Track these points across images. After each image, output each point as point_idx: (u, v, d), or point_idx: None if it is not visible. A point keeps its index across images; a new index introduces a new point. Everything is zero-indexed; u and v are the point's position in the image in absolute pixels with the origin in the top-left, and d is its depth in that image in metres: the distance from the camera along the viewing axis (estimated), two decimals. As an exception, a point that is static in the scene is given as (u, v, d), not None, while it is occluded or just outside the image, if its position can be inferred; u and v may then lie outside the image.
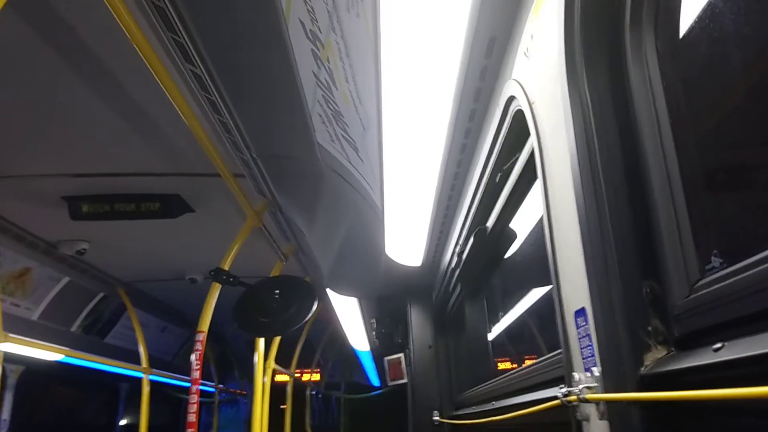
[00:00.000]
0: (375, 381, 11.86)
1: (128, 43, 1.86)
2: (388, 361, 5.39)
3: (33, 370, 5.68)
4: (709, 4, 1.01)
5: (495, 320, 3.75)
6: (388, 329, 5.35)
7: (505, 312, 3.46)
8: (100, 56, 2.29)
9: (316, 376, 10.01)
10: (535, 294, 3.12)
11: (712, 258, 0.99)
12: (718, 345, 0.87)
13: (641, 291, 1.10)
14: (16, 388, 5.55)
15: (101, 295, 5.69)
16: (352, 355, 10.26)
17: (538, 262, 2.41)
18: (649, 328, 1.08)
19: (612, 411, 1.14)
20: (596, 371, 1.18)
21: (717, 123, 1.11)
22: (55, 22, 2.10)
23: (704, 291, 0.96)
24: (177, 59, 1.88)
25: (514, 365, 3.70)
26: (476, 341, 3.97)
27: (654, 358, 1.06)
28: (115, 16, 1.74)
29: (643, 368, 1.06)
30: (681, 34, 1.10)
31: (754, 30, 0.93)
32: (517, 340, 3.56)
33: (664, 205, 1.09)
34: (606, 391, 1.14)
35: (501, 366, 4.33)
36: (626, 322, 1.08)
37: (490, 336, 3.87)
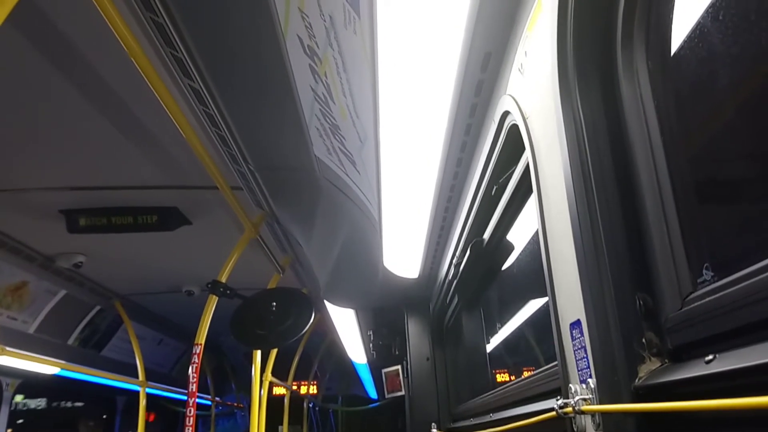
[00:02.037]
0: (373, 393, 11.82)
1: (127, 57, 1.88)
2: (386, 373, 5.37)
3: (29, 383, 5.66)
4: (698, 23, 1.04)
5: (493, 332, 3.75)
6: (385, 341, 5.34)
7: (503, 324, 3.46)
8: (98, 71, 2.31)
9: (314, 389, 9.96)
10: (533, 306, 3.13)
11: (704, 271, 1.00)
12: (710, 357, 0.88)
13: (635, 303, 1.11)
14: (12, 402, 5.52)
15: (98, 308, 5.68)
16: (349, 367, 10.23)
17: (535, 275, 2.43)
18: (643, 340, 1.09)
19: (607, 422, 1.15)
20: (591, 383, 1.19)
21: (707, 138, 1.13)
22: (53, 37, 2.11)
23: (696, 304, 0.98)
24: (175, 74, 1.90)
25: (513, 377, 3.70)
26: (474, 353, 3.97)
27: (648, 369, 1.07)
28: (113, 31, 1.76)
29: (637, 380, 1.07)
30: (672, 52, 1.12)
31: (742, 48, 0.95)
32: (514, 352, 3.56)
33: (656, 219, 1.11)
34: (601, 403, 1.15)
35: (499, 378, 4.32)
36: (620, 334, 1.10)
37: (488, 348, 3.87)
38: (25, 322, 4.90)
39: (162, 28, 1.69)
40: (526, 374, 2.53)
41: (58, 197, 3.41)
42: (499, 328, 3.55)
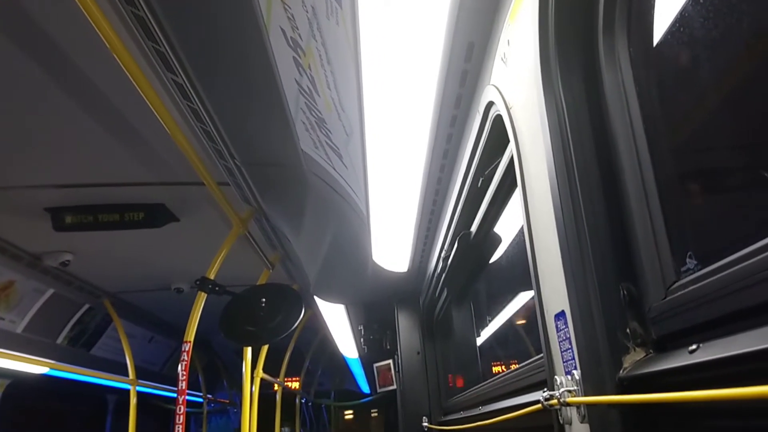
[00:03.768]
0: (365, 388, 11.84)
1: (109, 53, 1.85)
2: (377, 367, 5.38)
3: (19, 383, 5.62)
4: (680, 11, 1.03)
5: (482, 325, 3.76)
6: (376, 335, 5.34)
7: (492, 316, 3.46)
8: (81, 66, 2.28)
9: (296, 384, 9.87)
10: (522, 298, 3.13)
11: (687, 260, 1.00)
12: (694, 347, 0.88)
13: (619, 294, 1.10)
14: (1, 402, 5.48)
15: (86, 306, 5.64)
16: (341, 362, 10.23)
17: (523, 267, 2.42)
18: (628, 331, 1.08)
19: (592, 414, 1.14)
20: (576, 374, 1.18)
21: (690, 127, 1.12)
22: (35, 33, 2.09)
23: (680, 293, 0.97)
24: (158, 68, 1.87)
25: (503, 368, 3.70)
26: (464, 346, 3.97)
27: (632, 360, 1.07)
28: (94, 26, 1.73)
29: (621, 371, 1.07)
30: (654, 38, 1.12)
31: (724, 35, 0.94)
32: (504, 344, 3.56)
33: (639, 209, 1.10)
34: (586, 394, 1.14)
35: (491, 370, 4.32)
36: (605, 325, 1.09)
37: (478, 341, 3.88)
38: (13, 322, 4.85)
39: (143, 21, 1.67)
40: (515, 367, 2.53)
41: (43, 195, 3.38)
42: (489, 321, 3.56)
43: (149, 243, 4.31)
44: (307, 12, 1.69)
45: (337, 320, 6.14)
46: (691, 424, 0.97)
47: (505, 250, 2.68)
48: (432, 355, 4.68)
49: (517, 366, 2.24)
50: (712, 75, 1.02)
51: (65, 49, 2.18)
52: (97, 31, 1.75)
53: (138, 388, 5.88)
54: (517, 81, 1.51)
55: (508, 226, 2.48)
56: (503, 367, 3.65)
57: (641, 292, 1.09)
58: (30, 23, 2.04)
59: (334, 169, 2.51)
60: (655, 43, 1.11)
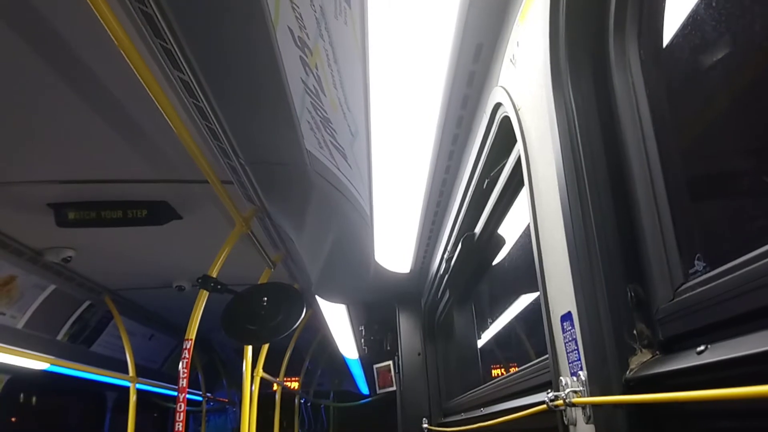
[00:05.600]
0: (364, 389, 11.82)
1: (115, 49, 1.85)
2: (377, 368, 5.37)
3: (18, 379, 5.62)
4: (691, 12, 1.03)
5: (484, 327, 3.76)
6: (377, 336, 5.33)
7: (494, 318, 3.46)
8: (87, 62, 2.28)
9: (296, 384, 9.84)
10: (524, 300, 3.13)
11: (696, 262, 1.00)
12: (702, 348, 0.88)
13: (626, 295, 1.10)
14: (0, 398, 5.48)
15: (87, 303, 5.64)
16: (341, 363, 10.21)
17: (526, 269, 2.42)
18: (634, 332, 1.08)
19: (598, 415, 1.14)
20: (582, 375, 1.18)
21: (700, 129, 1.12)
22: (41, 28, 2.09)
23: (688, 294, 0.97)
24: (164, 65, 1.87)
25: (504, 371, 3.70)
26: (465, 348, 3.97)
27: (639, 361, 1.07)
28: (102, 22, 1.74)
29: (628, 372, 1.07)
30: (664, 40, 1.12)
31: (735, 37, 0.94)
32: (506, 347, 3.56)
33: (648, 210, 1.10)
34: (592, 395, 1.14)
35: (491, 373, 4.32)
36: (611, 326, 1.09)
37: (479, 343, 3.88)
38: (14, 317, 4.86)
39: (151, 18, 1.67)
40: (515, 370, 2.52)
41: (46, 191, 3.38)
42: (491, 323, 3.56)
43: (151, 240, 4.32)
44: (315, 12, 1.69)
45: (337, 320, 6.14)
46: (697, 426, 0.97)
47: (509, 252, 2.67)
48: (433, 356, 4.68)
49: (520, 368, 2.24)
50: (723, 77, 1.02)
51: (71, 44, 2.18)
52: (104, 26, 1.76)
53: (137, 386, 5.89)
54: (525, 82, 1.51)
55: (512, 228, 2.48)
56: (504, 370, 3.66)
57: (649, 294, 1.09)
58: (35, 17, 2.04)
59: (338, 169, 2.51)
60: (665, 45, 1.11)
